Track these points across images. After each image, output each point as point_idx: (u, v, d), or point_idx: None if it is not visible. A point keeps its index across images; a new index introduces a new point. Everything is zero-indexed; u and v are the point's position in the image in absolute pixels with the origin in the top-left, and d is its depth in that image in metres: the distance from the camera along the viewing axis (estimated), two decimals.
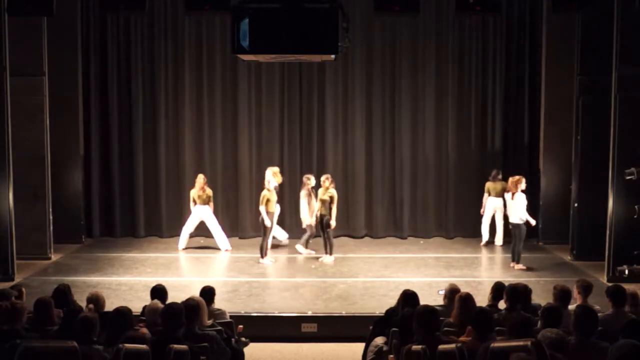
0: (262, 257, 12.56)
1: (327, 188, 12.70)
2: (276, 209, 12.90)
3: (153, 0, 13.87)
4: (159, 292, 7.55)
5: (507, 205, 12.60)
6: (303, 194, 13.23)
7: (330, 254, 12.83)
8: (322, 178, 12.87)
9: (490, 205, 13.88)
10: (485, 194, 13.89)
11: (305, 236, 13.34)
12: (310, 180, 13.15)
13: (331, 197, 12.63)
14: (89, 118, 14.52)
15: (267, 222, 12.39)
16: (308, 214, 13.17)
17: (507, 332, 5.83)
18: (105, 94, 14.65)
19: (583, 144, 12.82)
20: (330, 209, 12.61)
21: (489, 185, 13.88)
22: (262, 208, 12.42)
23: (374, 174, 14.90)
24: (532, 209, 14.66)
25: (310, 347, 9.49)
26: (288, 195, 14.69)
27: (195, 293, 7.61)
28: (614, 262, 11.53)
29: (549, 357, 4.64)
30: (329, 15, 7.15)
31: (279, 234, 13.88)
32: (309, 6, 7.19)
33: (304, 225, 13.37)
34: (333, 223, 12.66)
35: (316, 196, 12.96)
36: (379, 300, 10.34)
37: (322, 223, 12.76)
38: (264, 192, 12.53)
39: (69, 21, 13.58)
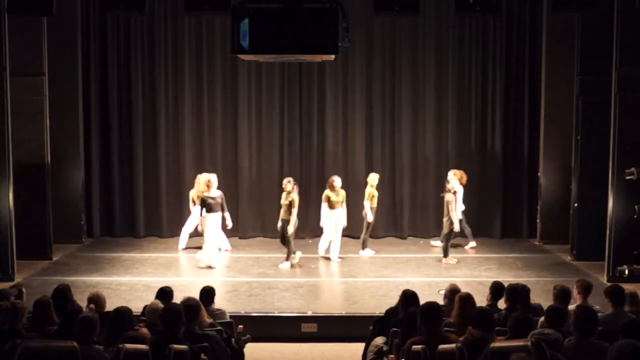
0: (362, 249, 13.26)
1: (289, 192, 12.21)
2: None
3: (153, 0, 13.86)
4: (165, 294, 7.52)
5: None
6: (450, 197, 12.54)
7: (287, 259, 12.35)
8: (284, 181, 12.43)
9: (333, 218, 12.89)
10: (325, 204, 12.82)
11: (447, 244, 12.76)
12: (449, 184, 12.67)
13: (291, 202, 12.13)
14: (89, 118, 14.52)
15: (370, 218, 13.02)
16: (456, 219, 12.51)
17: (507, 332, 5.84)
18: (105, 93, 14.65)
19: (583, 144, 12.83)
20: (290, 213, 12.14)
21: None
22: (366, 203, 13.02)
23: None
24: (532, 209, 14.75)
25: (310, 347, 9.50)
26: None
27: (195, 293, 7.61)
28: (614, 262, 11.53)
29: (549, 357, 4.64)
30: (329, 15, 7.15)
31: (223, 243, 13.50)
32: (309, 6, 7.19)
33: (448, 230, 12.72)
34: (291, 229, 12.14)
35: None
36: (379, 300, 10.34)
37: (283, 228, 12.29)
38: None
39: (69, 21, 13.58)
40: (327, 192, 12.71)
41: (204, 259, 12.37)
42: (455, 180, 13.16)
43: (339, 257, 12.79)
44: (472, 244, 13.89)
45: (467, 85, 14.85)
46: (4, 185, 11.44)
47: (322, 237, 13.04)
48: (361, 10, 13.77)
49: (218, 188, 13.56)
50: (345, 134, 14.96)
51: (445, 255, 12.67)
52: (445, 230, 12.66)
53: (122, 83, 14.67)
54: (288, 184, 12.32)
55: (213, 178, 12.36)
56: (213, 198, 12.15)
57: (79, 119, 14.13)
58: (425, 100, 14.80)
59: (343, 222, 12.89)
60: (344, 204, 12.83)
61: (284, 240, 12.40)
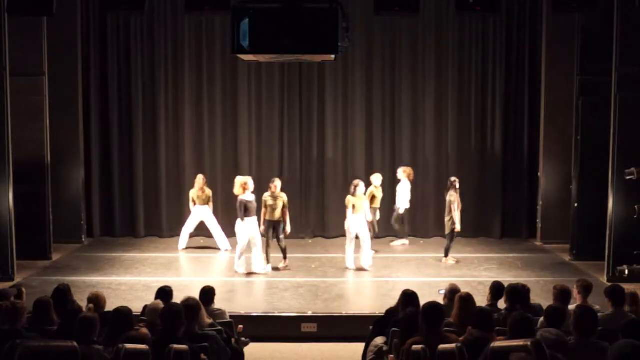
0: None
1: (277, 194, 11.90)
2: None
3: (153, 0, 13.87)
4: (165, 294, 7.53)
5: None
6: (455, 196, 12.45)
7: (285, 258, 12.18)
8: (276, 182, 11.99)
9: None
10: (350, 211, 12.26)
11: (450, 244, 12.68)
12: (457, 183, 12.50)
13: (284, 203, 11.91)
14: (89, 118, 14.52)
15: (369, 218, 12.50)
16: (458, 218, 12.37)
17: (507, 332, 5.84)
18: (105, 93, 14.65)
19: (583, 144, 12.83)
20: (284, 214, 11.92)
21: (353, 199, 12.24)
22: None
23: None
24: (532, 209, 14.74)
25: (310, 347, 9.50)
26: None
27: (195, 293, 7.61)
28: (614, 262, 11.53)
29: (549, 357, 4.63)
30: (329, 15, 7.14)
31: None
32: (309, 6, 7.18)
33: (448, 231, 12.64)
34: (289, 229, 12.06)
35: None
36: (379, 300, 10.35)
37: (273, 230, 11.96)
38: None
39: (69, 21, 13.58)
40: (349, 197, 12.14)
41: (256, 267, 11.86)
42: (405, 176, 13.43)
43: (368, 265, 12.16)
44: (403, 241, 14.05)
45: (467, 85, 14.85)
46: (4, 185, 11.44)
47: (362, 247, 12.22)
48: (361, 10, 13.77)
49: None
50: (345, 134, 14.96)
51: (446, 255, 12.67)
52: (447, 230, 12.64)
53: (122, 83, 14.67)
54: (275, 185, 11.97)
55: (250, 181, 11.92)
56: (250, 201, 11.78)
57: (79, 119, 14.14)
58: (425, 100, 14.80)
59: (364, 227, 12.18)
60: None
61: (269, 242, 12.04)
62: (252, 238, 11.83)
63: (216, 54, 14.65)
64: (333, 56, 7.72)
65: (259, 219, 12.03)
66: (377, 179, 13.36)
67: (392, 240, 14.22)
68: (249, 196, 11.84)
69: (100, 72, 14.61)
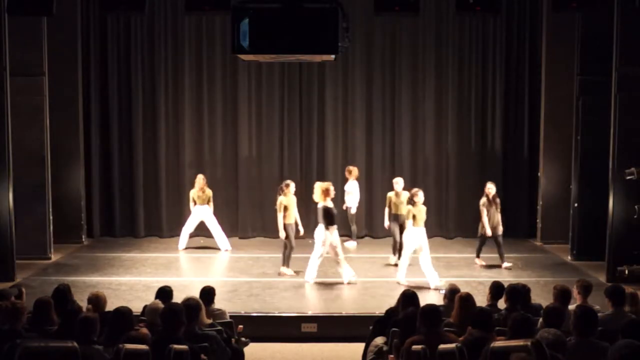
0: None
1: (288, 194, 11.74)
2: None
3: (153, 1, 13.87)
4: (165, 293, 7.54)
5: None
6: (483, 201, 12.23)
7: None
8: (290, 185, 11.81)
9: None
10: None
11: (480, 246, 12.51)
12: (488, 189, 12.24)
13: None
14: (89, 118, 14.53)
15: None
16: (488, 224, 12.08)
17: (507, 332, 5.84)
18: (105, 94, 14.66)
19: (583, 144, 12.83)
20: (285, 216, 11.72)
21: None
22: None
23: (374, 174, 14.91)
24: (532, 209, 14.74)
25: (310, 347, 9.50)
26: None
27: (195, 293, 7.61)
28: (614, 262, 11.53)
29: (549, 357, 4.64)
30: (329, 15, 7.13)
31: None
32: (309, 6, 7.17)
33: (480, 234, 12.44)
34: (302, 230, 12.01)
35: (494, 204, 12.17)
36: (379, 300, 10.34)
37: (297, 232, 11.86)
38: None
39: (69, 21, 13.59)
40: (409, 207, 11.37)
41: (346, 276, 11.30)
42: (351, 176, 13.44)
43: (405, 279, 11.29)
44: (353, 244, 13.90)
45: (467, 85, 14.86)
46: (4, 185, 11.44)
47: (403, 259, 11.50)
48: (361, 10, 13.78)
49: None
50: (345, 134, 14.97)
51: (477, 255, 12.55)
52: (479, 233, 12.49)
53: (122, 83, 14.68)
54: (289, 186, 11.84)
55: (331, 187, 11.37)
56: (332, 208, 11.23)
57: (79, 119, 14.14)
58: (425, 100, 14.81)
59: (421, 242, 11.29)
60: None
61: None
62: (336, 246, 11.29)
63: (216, 54, 14.66)
64: (333, 56, 7.71)
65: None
66: (397, 184, 12.72)
67: (346, 241, 14.06)
68: (330, 203, 11.27)
69: (100, 72, 14.62)
